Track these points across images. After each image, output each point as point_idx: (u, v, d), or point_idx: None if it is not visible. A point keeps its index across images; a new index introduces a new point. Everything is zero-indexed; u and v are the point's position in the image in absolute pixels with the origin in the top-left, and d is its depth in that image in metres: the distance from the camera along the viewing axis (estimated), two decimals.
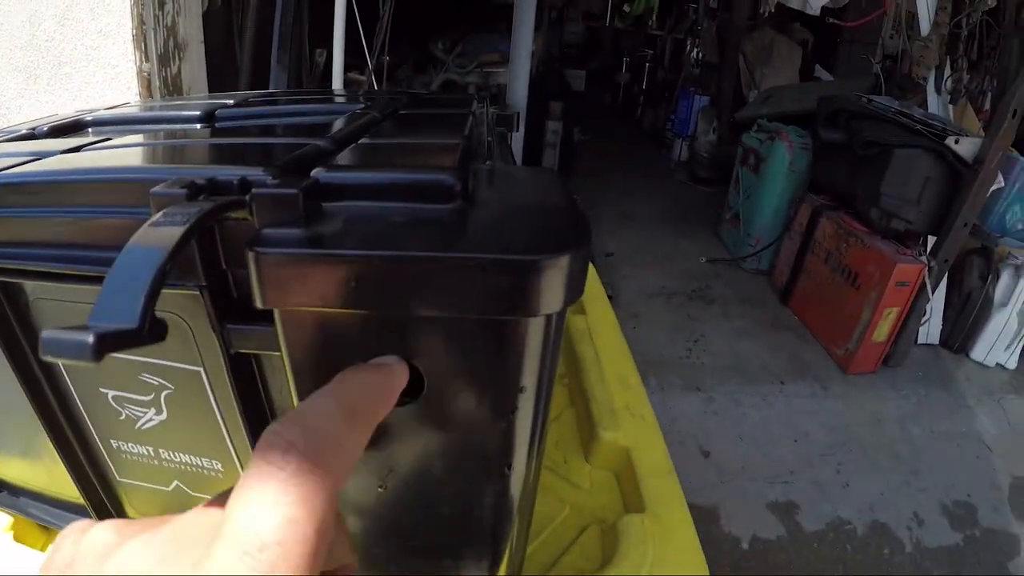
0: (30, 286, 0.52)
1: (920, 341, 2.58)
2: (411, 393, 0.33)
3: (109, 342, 0.22)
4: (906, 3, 3.04)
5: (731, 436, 2.02)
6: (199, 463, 0.59)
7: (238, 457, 0.55)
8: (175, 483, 0.62)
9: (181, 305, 0.43)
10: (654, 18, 6.66)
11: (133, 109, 0.98)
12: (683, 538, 0.70)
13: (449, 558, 0.47)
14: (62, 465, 0.65)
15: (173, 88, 2.05)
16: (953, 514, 1.81)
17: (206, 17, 2.22)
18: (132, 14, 1.89)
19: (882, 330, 2.33)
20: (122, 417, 0.58)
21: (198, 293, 0.37)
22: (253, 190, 0.31)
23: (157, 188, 0.34)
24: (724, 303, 2.94)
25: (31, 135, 0.77)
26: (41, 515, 0.75)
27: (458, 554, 0.46)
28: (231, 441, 0.54)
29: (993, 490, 1.90)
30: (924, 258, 2.25)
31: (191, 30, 2.14)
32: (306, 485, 0.21)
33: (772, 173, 3.00)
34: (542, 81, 2.81)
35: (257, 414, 0.47)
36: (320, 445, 0.23)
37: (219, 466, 0.57)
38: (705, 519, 1.70)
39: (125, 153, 0.66)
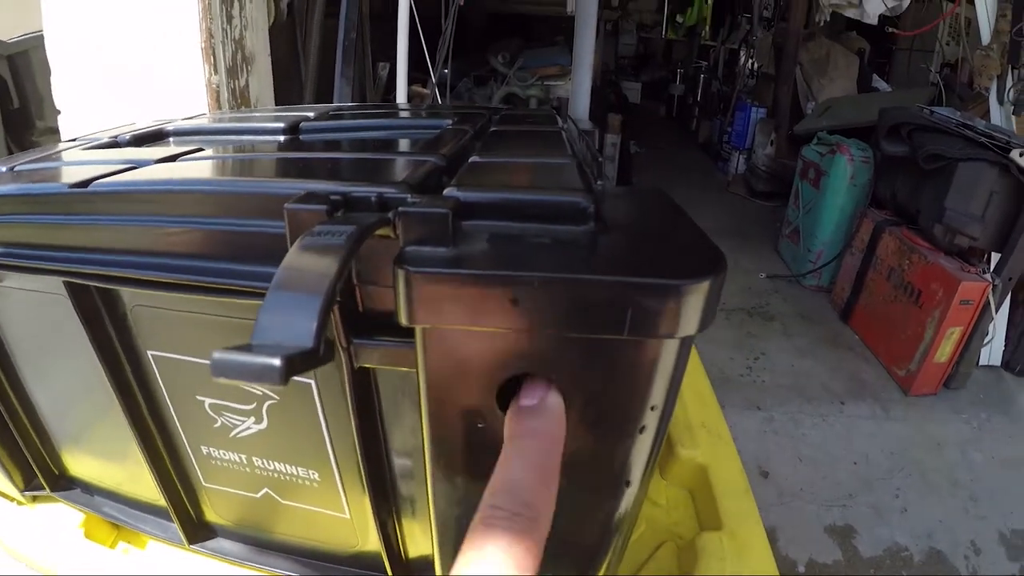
0: (128, 294, 0.55)
1: (982, 363, 2.51)
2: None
3: (295, 364, 0.23)
4: (965, 10, 2.97)
5: (791, 457, 2.00)
6: (295, 472, 0.60)
7: (338, 469, 0.56)
8: (264, 490, 0.64)
9: None
10: (707, 29, 6.63)
11: (210, 120, 1.02)
12: (759, 557, 0.70)
13: (552, 565, 0.48)
14: (142, 467, 0.67)
15: (241, 100, 2.10)
16: (1011, 544, 1.76)
17: (271, 32, 2.27)
18: (201, 27, 1.94)
19: (944, 350, 2.28)
20: (217, 425, 0.60)
21: None
22: (400, 208, 0.32)
23: (292, 204, 0.35)
24: (784, 320, 2.91)
25: (114, 143, 0.80)
26: (116, 514, 0.77)
27: (563, 563, 0.47)
28: (334, 453, 0.55)
29: None
30: (988, 276, 2.19)
31: (258, 44, 2.19)
32: (531, 553, 0.26)
33: (833, 187, 2.96)
34: (599, 94, 2.83)
35: (371, 427, 0.49)
36: (536, 515, 0.27)
37: (316, 476, 0.58)
38: None
39: (223, 164, 0.69)
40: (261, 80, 2.19)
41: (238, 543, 0.73)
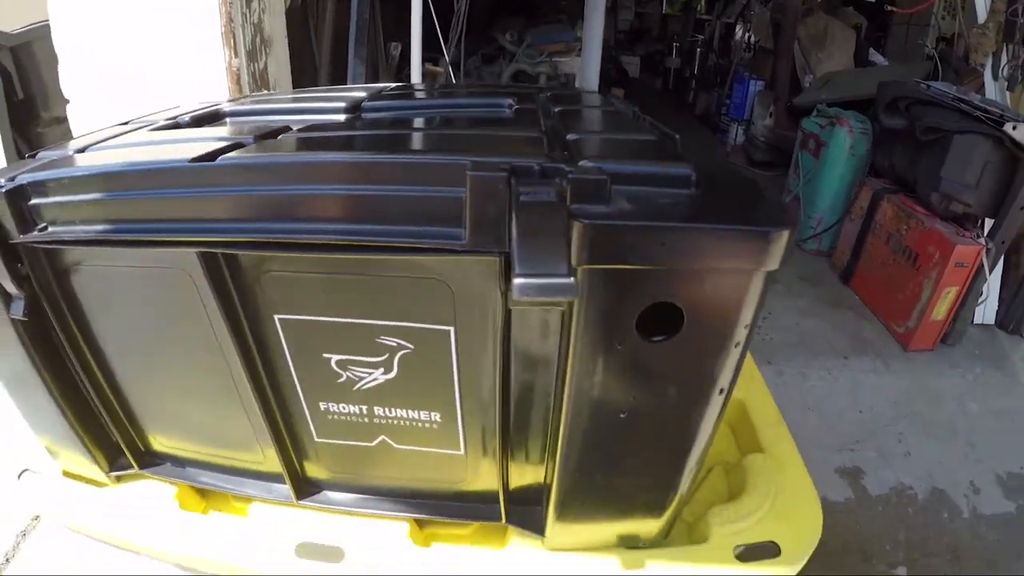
0: (255, 260, 0.61)
1: (976, 321, 2.63)
2: (668, 332, 0.45)
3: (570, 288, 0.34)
4: None
5: (800, 407, 2.12)
6: (416, 416, 0.68)
7: (462, 409, 0.65)
8: (380, 438, 0.72)
9: (444, 270, 0.53)
10: (703, 3, 6.67)
11: (253, 102, 1.07)
12: (796, 472, 0.83)
13: (651, 476, 0.60)
14: (247, 433, 0.74)
15: (261, 82, 2.15)
16: (1007, 485, 1.89)
17: (286, 15, 2.33)
18: (220, 12, 1.96)
19: (940, 309, 2.40)
20: (341, 379, 0.67)
21: (489, 257, 0.48)
22: (570, 175, 0.43)
23: (474, 172, 0.45)
24: (787, 282, 3.01)
25: (175, 124, 0.86)
26: (215, 482, 0.84)
27: (662, 471, 0.58)
28: (460, 394, 0.64)
29: None
30: (982, 240, 2.31)
31: (276, 27, 2.25)
32: None
33: (833, 157, 3.06)
34: (602, 68, 2.91)
35: (506, 367, 0.58)
36: None
37: (437, 418, 0.67)
38: None
39: (328, 141, 0.74)
40: (279, 62, 2.27)
41: (343, 493, 0.80)
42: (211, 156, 0.58)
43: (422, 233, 0.49)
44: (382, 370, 0.65)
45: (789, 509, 0.76)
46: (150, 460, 0.86)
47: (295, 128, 0.78)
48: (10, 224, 0.58)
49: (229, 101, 1.05)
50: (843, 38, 4.39)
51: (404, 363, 0.63)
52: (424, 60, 2.72)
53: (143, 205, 0.57)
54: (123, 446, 0.83)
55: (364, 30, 2.79)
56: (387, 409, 0.68)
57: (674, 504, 0.63)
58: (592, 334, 0.45)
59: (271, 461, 0.76)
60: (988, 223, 2.38)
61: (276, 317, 0.63)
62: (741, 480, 0.80)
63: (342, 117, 0.88)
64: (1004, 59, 2.68)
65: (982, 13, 2.72)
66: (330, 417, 0.71)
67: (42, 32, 2.13)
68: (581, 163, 0.47)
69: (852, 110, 3.10)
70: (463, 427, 0.67)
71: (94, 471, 0.85)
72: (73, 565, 1.49)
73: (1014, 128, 2.18)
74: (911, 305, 2.46)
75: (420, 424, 0.68)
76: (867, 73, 3.74)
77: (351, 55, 2.77)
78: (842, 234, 3.07)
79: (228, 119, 0.97)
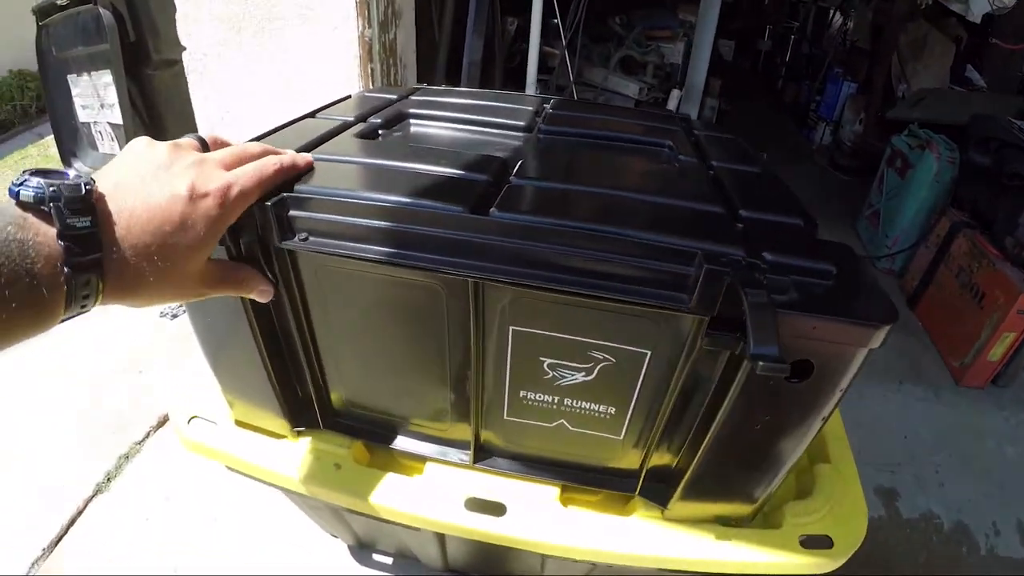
0: (505, 289, 0.71)
1: None
2: (801, 376, 0.63)
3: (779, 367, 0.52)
4: None
5: (852, 423, 2.18)
6: (596, 408, 0.82)
7: (634, 408, 0.80)
8: (560, 422, 0.86)
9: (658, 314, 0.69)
10: None
11: (430, 105, 1.13)
12: (852, 484, 0.98)
13: (762, 472, 0.77)
14: (438, 405, 0.87)
15: (390, 52, 2.25)
16: None
17: None
18: None
19: (997, 351, 2.47)
20: (548, 376, 0.80)
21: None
22: (767, 277, 0.60)
23: (709, 266, 0.58)
24: None
25: (372, 129, 0.96)
26: (399, 445, 0.95)
27: (770, 470, 0.76)
28: (637, 397, 0.78)
29: None
30: None
31: None
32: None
33: (918, 181, 3.08)
34: None
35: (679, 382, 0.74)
36: None
37: (612, 411, 0.82)
38: None
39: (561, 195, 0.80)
40: (407, 34, 2.35)
41: (510, 460, 0.94)
42: (481, 207, 0.69)
43: (653, 295, 0.63)
44: (584, 374, 0.78)
45: (844, 513, 0.90)
46: (333, 421, 0.98)
47: (487, 151, 0.89)
48: (271, 232, 0.69)
49: (400, 100, 1.14)
50: (941, 51, 4.28)
51: (603, 371, 0.77)
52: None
53: (419, 239, 0.67)
54: (315, 405, 0.95)
55: (484, 5, 2.90)
56: (575, 401, 0.81)
57: (764, 496, 0.82)
58: (754, 374, 0.60)
59: (457, 431, 0.90)
60: None
61: (511, 328, 0.76)
62: (810, 483, 0.95)
63: (520, 136, 1.01)
64: None
65: None
66: (525, 402, 0.83)
67: None
68: (766, 256, 0.63)
69: (942, 134, 3.09)
70: (629, 420, 0.81)
71: (278, 424, 0.97)
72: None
73: None
74: (970, 342, 2.53)
75: (596, 414, 0.82)
76: (962, 98, 3.69)
77: (469, 29, 2.88)
78: (915, 259, 3.11)
79: (411, 122, 1.07)
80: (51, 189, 0.46)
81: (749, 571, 0.85)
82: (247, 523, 1.71)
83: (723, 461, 0.76)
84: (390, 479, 0.94)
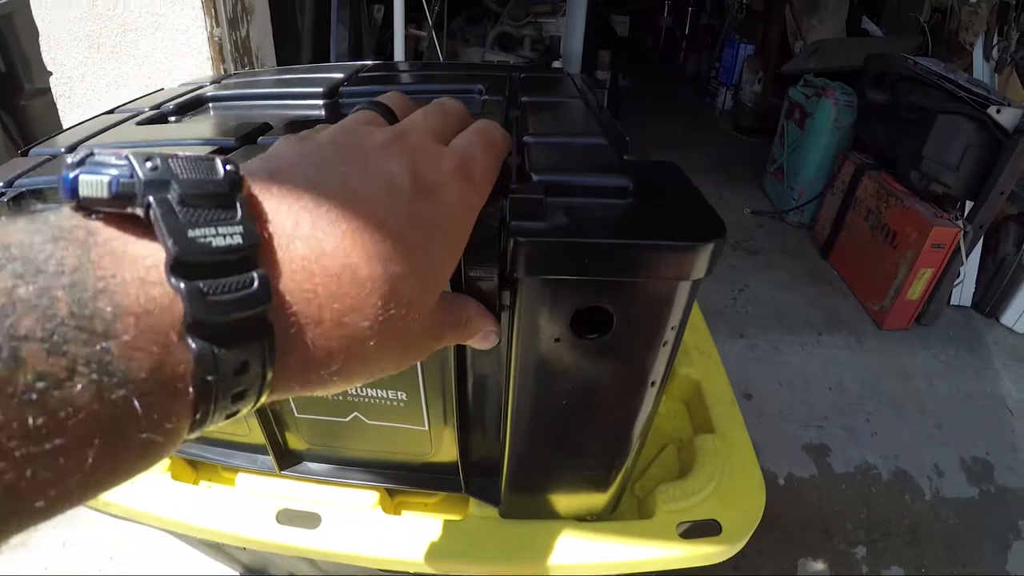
0: None
1: (953, 303, 2.67)
2: (600, 331, 0.48)
3: None
4: None
5: (772, 381, 2.15)
6: (385, 395, 0.71)
7: (425, 390, 0.69)
8: (354, 415, 0.75)
9: None
10: None
11: (236, 85, 1.03)
12: (744, 455, 0.85)
13: (593, 456, 0.63)
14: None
15: (243, 51, 2.13)
16: (971, 469, 1.93)
17: None
18: None
19: (916, 289, 2.43)
20: None
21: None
22: (511, 195, 0.45)
23: None
24: (767, 254, 3.03)
25: (161, 115, 0.87)
26: (205, 454, 0.87)
27: (602, 452, 0.62)
28: (423, 377, 0.67)
29: (1011, 451, 2.00)
30: (960, 222, 2.32)
31: None
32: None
33: (817, 129, 3.06)
34: (589, 28, 2.86)
35: (462, 355, 0.62)
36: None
37: (403, 396, 0.71)
38: None
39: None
40: (261, 29, 2.23)
41: (321, 464, 0.84)
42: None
43: None
44: None
45: (734, 490, 0.78)
46: None
47: (275, 123, 0.80)
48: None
49: (212, 83, 1.05)
50: (836, 5, 4.31)
51: None
52: (408, 23, 2.70)
53: None
54: None
55: None
56: (361, 389, 0.73)
57: (617, 482, 0.67)
58: (533, 332, 0.48)
59: (256, 433, 0.80)
60: (968, 205, 2.38)
61: None
62: (690, 459, 0.84)
63: (320, 104, 0.90)
64: (995, 40, 2.67)
65: None
66: (309, 396, 0.76)
67: (20, 3, 2.06)
68: (535, 177, 0.50)
69: (840, 81, 3.09)
70: (426, 406, 0.72)
71: None
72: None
73: (998, 111, 2.18)
74: (887, 283, 2.49)
75: (389, 402, 0.73)
76: (857, 43, 3.71)
77: (333, 19, 2.73)
78: (823, 207, 3.09)
79: (211, 106, 0.98)
80: (148, 166, 0.23)
81: (614, 571, 0.71)
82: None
83: (538, 444, 0.61)
84: (205, 494, 0.83)
